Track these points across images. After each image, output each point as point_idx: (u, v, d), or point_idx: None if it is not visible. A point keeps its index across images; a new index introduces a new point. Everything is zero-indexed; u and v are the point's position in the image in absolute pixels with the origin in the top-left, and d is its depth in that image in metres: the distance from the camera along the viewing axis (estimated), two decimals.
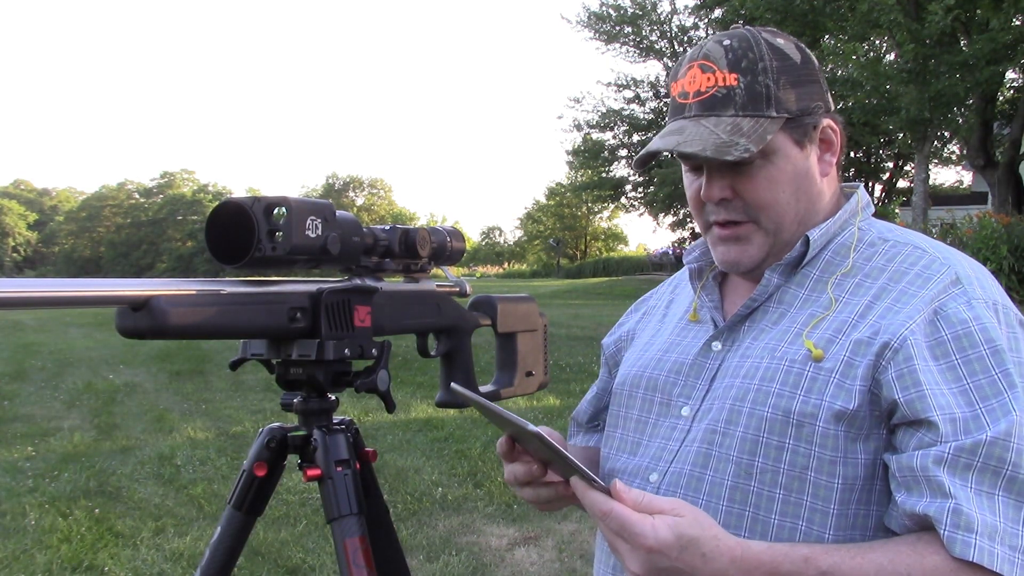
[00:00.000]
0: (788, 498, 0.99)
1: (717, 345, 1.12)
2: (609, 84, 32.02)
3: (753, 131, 1.03)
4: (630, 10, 26.28)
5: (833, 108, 1.12)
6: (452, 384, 1.01)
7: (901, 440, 0.94)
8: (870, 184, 27.28)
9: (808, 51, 1.11)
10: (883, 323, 0.98)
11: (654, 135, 1.16)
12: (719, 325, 1.13)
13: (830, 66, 17.44)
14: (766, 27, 1.12)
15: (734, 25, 1.16)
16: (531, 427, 0.90)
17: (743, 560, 0.87)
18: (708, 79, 1.06)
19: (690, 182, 1.13)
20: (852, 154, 26.88)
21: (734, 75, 1.05)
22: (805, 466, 0.98)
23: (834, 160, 1.11)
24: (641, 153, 1.11)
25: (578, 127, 31.63)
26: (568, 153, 36.72)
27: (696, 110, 1.07)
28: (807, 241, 1.08)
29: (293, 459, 1.13)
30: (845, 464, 0.97)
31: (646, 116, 32.07)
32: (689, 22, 26.31)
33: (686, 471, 1.05)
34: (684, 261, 1.24)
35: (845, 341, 1.00)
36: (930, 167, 19.50)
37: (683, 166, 1.14)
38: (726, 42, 1.07)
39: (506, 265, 66.52)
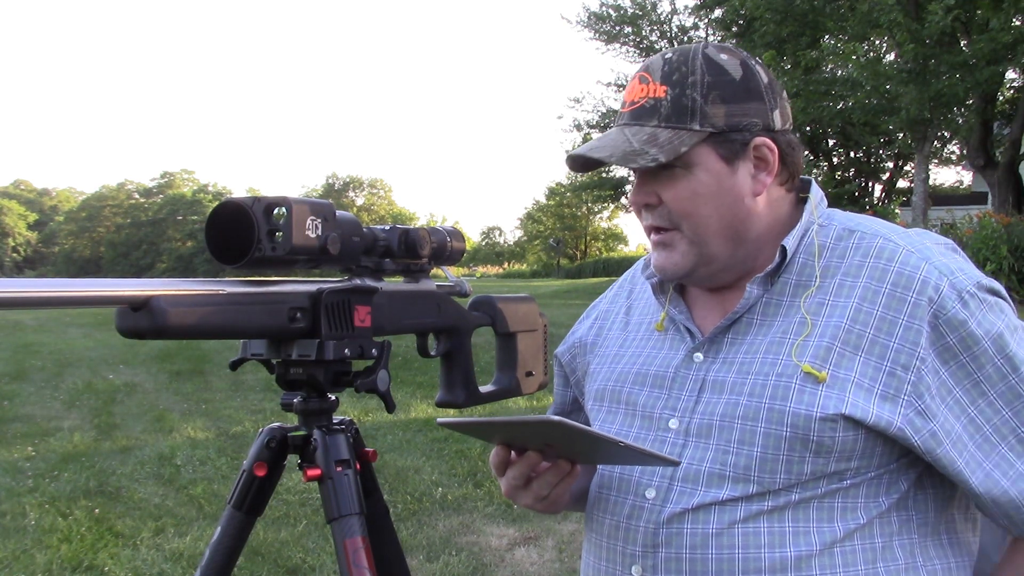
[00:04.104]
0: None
1: (699, 356, 1.12)
2: (609, 84, 31.80)
3: (668, 142, 1.05)
4: (630, 10, 26.19)
5: (779, 127, 1.09)
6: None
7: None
8: (870, 184, 27.23)
9: (758, 69, 1.09)
10: (885, 341, 1.01)
11: None
12: (696, 336, 1.14)
13: (830, 66, 17.44)
14: (721, 43, 1.13)
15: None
16: (554, 417, 0.90)
17: None
18: (642, 90, 1.10)
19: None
20: (852, 154, 26.85)
21: (664, 87, 1.08)
22: (823, 475, 1.02)
23: (769, 180, 1.09)
24: (566, 158, 1.14)
25: (578, 127, 31.50)
26: (568, 153, 36.60)
27: (626, 119, 1.11)
28: (783, 251, 1.08)
29: (293, 459, 1.14)
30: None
31: None
32: (689, 22, 26.23)
33: (700, 490, 1.05)
34: (643, 275, 1.25)
35: (844, 351, 1.02)
36: (930, 167, 19.48)
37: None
38: (667, 55, 1.10)
39: (506, 265, 66.49)
